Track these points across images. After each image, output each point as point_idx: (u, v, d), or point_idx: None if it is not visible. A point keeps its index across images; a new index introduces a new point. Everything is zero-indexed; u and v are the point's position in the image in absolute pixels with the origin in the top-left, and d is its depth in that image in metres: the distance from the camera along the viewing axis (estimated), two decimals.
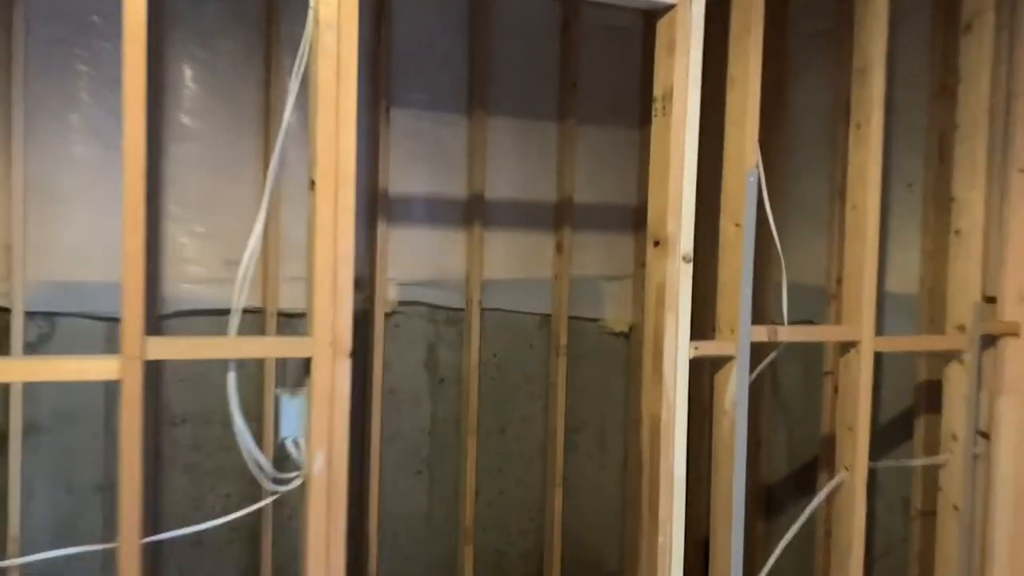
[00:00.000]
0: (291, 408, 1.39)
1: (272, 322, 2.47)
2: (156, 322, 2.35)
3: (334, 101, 1.36)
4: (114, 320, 2.31)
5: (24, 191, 2.16)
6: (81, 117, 2.29)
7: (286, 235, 2.51)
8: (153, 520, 2.40)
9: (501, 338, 2.85)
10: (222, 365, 2.39)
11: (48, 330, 2.26)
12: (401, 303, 2.71)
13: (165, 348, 1.33)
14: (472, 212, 2.74)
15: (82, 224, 2.27)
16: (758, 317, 1.75)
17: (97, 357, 1.32)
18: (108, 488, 2.34)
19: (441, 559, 2.82)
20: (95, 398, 2.32)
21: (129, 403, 1.28)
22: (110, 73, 2.31)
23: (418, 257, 2.71)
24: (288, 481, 1.40)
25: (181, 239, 2.40)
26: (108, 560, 2.31)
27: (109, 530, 2.34)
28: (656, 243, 1.68)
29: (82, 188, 2.26)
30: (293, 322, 2.56)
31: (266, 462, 1.41)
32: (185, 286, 2.40)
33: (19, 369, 1.40)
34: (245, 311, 2.44)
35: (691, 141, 1.63)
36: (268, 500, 1.55)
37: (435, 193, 2.72)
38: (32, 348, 2.24)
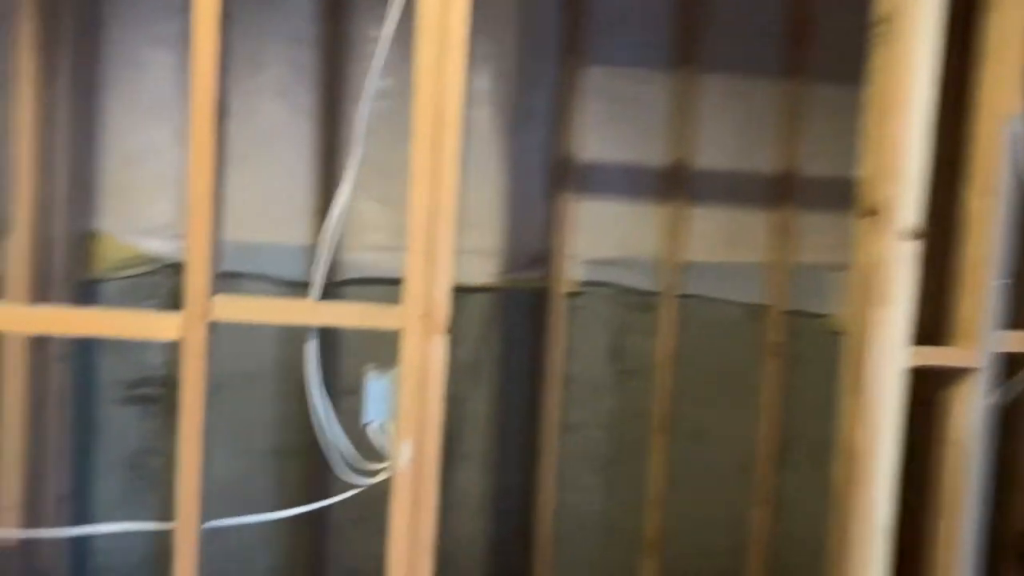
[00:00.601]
0: (378, 389, 1.21)
1: None
2: (333, 288, 2.30)
3: (436, 19, 1.15)
4: (290, 284, 2.30)
5: None
6: (267, 77, 2.28)
7: (466, 203, 2.35)
8: (320, 488, 2.36)
9: (700, 329, 2.51)
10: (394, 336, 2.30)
11: (230, 291, 2.28)
12: (585, 283, 2.47)
13: (232, 308, 1.20)
14: (673, 183, 2.42)
15: (259, 184, 2.26)
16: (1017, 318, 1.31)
17: (163, 313, 1.21)
18: (282, 453, 2.34)
19: (619, 568, 2.56)
20: (270, 361, 2.32)
21: (192, 365, 1.16)
22: (297, 31, 2.28)
23: (607, 232, 2.44)
24: (373, 473, 1.22)
25: (361, 203, 2.33)
26: (280, 523, 2.31)
27: (283, 494, 2.34)
28: (868, 212, 1.29)
29: (261, 148, 2.26)
30: (467, 297, 2.41)
31: (348, 447, 1.25)
32: (363, 253, 2.33)
33: (82, 321, 1.33)
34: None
35: (923, 72, 1.23)
36: (350, 492, 1.39)
37: (631, 161, 2.44)
38: None
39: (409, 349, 1.18)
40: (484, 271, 2.39)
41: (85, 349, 2.21)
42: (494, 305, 2.43)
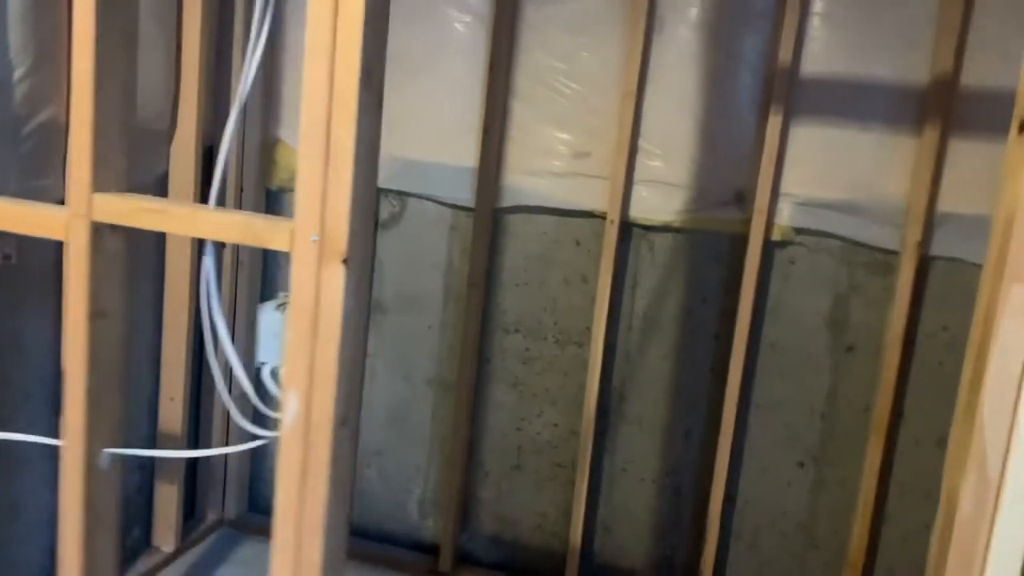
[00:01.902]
0: (270, 323, 1.03)
1: (612, 232, 2.04)
2: (495, 215, 2.14)
3: None
4: (458, 208, 2.17)
5: None
6: None
7: (650, 125, 2.02)
8: (474, 433, 2.25)
9: (954, 304, 1.91)
10: (561, 273, 2.07)
11: (399, 209, 2.23)
12: (800, 230, 1.99)
13: (113, 209, 1.08)
14: (930, 107, 1.83)
15: (431, 101, 2.14)
16: None
17: (49, 209, 1.14)
18: (438, 383, 2.26)
19: None
20: (434, 287, 2.24)
21: (75, 267, 1.07)
22: None
23: (833, 168, 1.94)
24: (266, 425, 1.05)
25: (527, 122, 2.11)
26: (434, 438, 2.26)
27: (437, 422, 2.27)
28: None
29: (433, 61, 2.13)
30: (646, 236, 2.08)
31: (251, 390, 1.08)
32: (528, 178, 2.12)
33: None
34: (579, 213, 2.07)
35: None
36: (243, 447, 1.22)
37: (870, 76, 1.89)
38: (383, 226, 2.24)
39: (299, 279, 0.98)
40: (668, 207, 2.04)
41: (269, 254, 2.32)
42: (679, 248, 2.08)
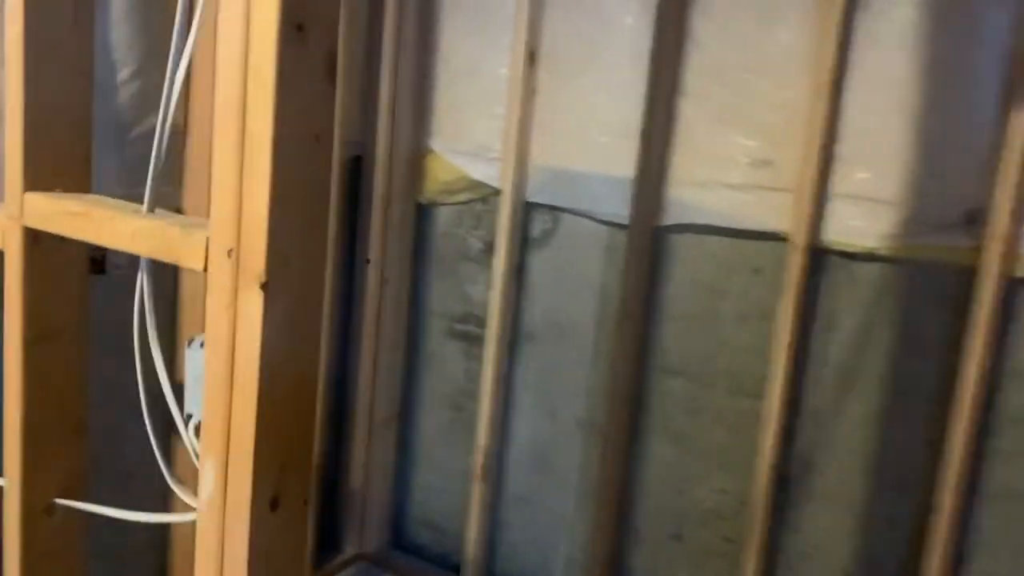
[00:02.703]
0: (193, 368, 0.81)
1: (798, 259, 1.65)
2: (656, 234, 1.82)
3: None
4: (615, 226, 1.89)
5: (524, 58, 1.89)
6: None
7: (850, 126, 1.61)
8: (628, 491, 1.94)
9: None
10: (734, 307, 1.73)
11: (551, 225, 1.98)
12: None
13: (38, 210, 0.91)
14: None
15: (587, 103, 1.88)
16: None
17: None
18: (589, 425, 1.98)
19: None
20: (587, 315, 1.96)
21: (10, 280, 0.92)
22: None
23: None
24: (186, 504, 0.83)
25: (696, 125, 1.77)
26: (582, 489, 1.97)
27: (587, 470, 1.99)
28: None
29: (592, 58, 1.86)
30: (843, 266, 1.66)
31: (192, 446, 0.87)
32: (696, 191, 1.78)
33: None
34: (759, 235, 1.70)
35: None
36: (162, 518, 0.96)
37: None
38: (534, 245, 2.00)
39: (213, 309, 0.74)
40: (873, 229, 1.61)
41: (417, 272, 2.17)
42: (887, 283, 1.63)
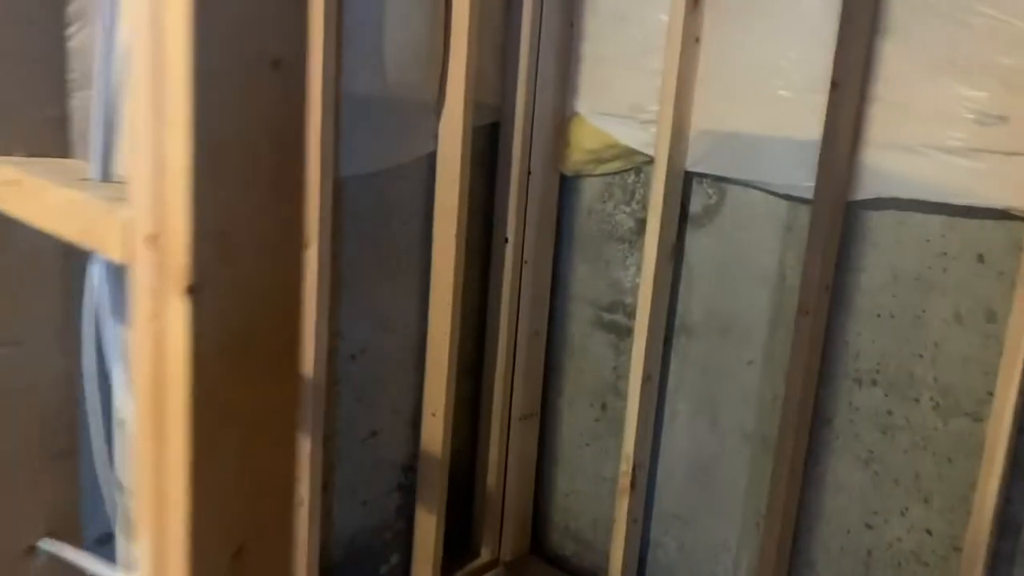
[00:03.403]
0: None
1: None
2: (848, 210, 1.48)
3: None
4: (795, 200, 1.56)
5: (686, 0, 1.58)
6: None
7: None
8: (802, 518, 1.62)
9: None
10: (950, 303, 1.40)
11: (715, 199, 1.68)
12: None
13: None
14: None
15: (761, 51, 1.55)
16: None
17: None
18: (757, 438, 1.67)
19: None
20: (759, 308, 1.65)
21: None
22: None
23: None
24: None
25: (904, 73, 1.40)
26: (748, 513, 1.68)
27: (753, 491, 1.69)
28: None
29: (764, 5, 1.53)
30: None
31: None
32: (901, 157, 1.42)
33: None
34: (986, 212, 1.32)
35: None
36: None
37: None
38: (694, 222, 1.70)
39: (137, 319, 0.50)
40: None
41: (560, 253, 1.92)
42: None
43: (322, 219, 1.50)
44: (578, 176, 1.85)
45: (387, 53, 1.56)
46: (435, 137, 1.70)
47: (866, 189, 1.45)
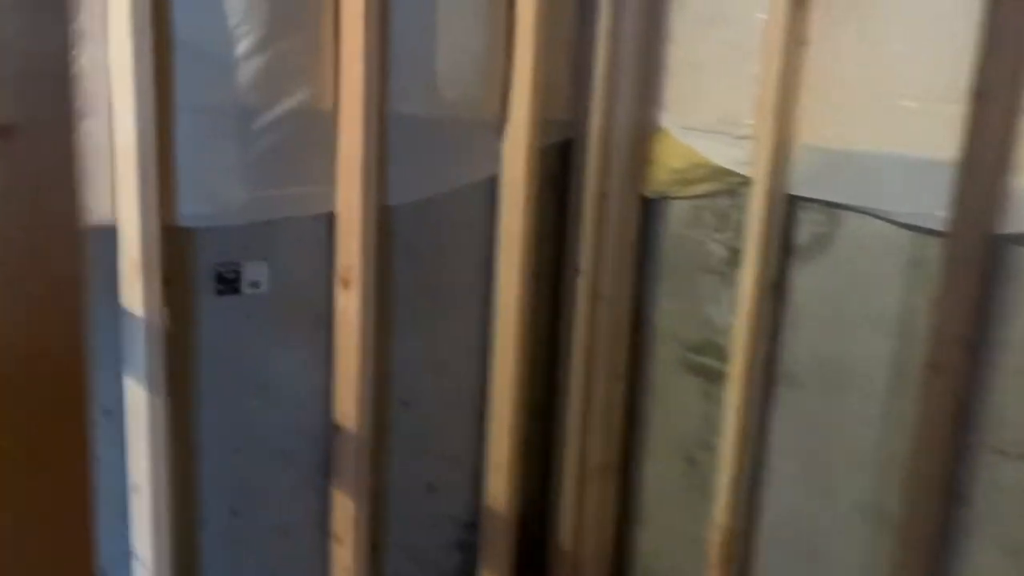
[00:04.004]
0: None
1: None
2: (992, 245, 1.21)
3: None
4: (924, 231, 1.30)
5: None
6: None
7: None
8: None
9: None
10: None
11: (826, 228, 1.43)
12: None
13: None
14: None
15: (880, 51, 1.30)
16: None
17: None
18: (875, 513, 1.41)
19: None
20: (877, 357, 1.39)
21: None
22: None
23: None
24: None
25: None
26: None
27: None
28: None
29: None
30: None
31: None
32: None
33: None
34: None
35: None
36: None
37: None
38: (800, 255, 1.46)
39: None
40: None
41: (642, 285, 1.70)
42: None
43: (365, 253, 1.34)
44: (662, 199, 1.63)
45: (440, 69, 1.38)
46: (498, 158, 1.52)
47: (1016, 220, 1.18)
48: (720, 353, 1.59)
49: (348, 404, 1.40)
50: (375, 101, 1.27)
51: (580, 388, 1.71)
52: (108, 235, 1.15)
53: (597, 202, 1.63)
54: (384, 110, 1.31)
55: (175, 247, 1.23)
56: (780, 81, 1.37)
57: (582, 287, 1.67)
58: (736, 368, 1.50)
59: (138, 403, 1.19)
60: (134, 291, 1.15)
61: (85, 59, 1.08)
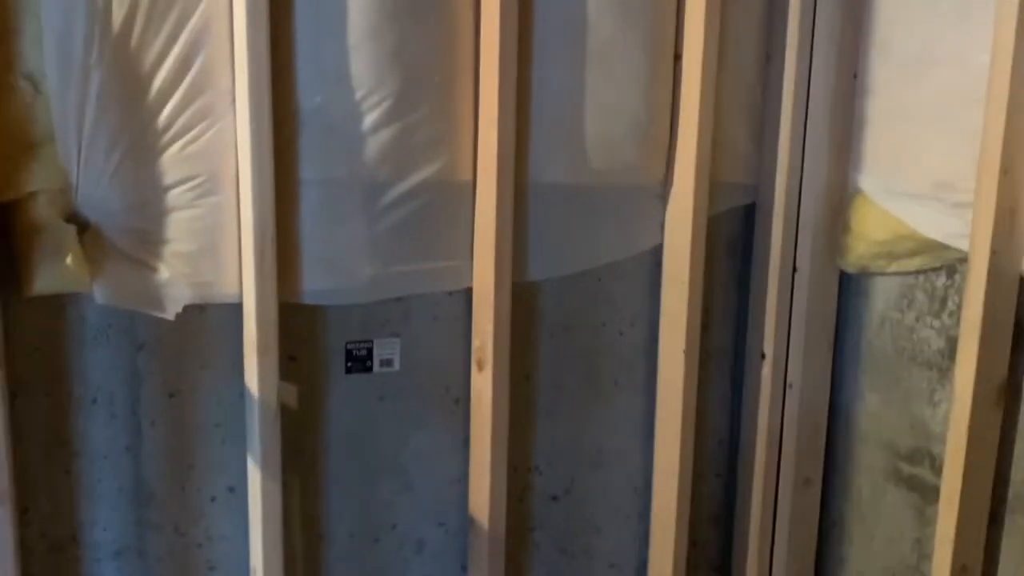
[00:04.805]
0: None
1: None
2: None
3: None
4: None
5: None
6: None
7: None
8: None
9: None
10: None
11: None
12: None
13: None
14: None
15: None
16: None
17: None
18: None
19: None
20: None
21: None
22: None
23: None
24: None
25: None
26: None
27: None
28: None
29: None
30: None
31: None
32: None
33: None
34: None
35: None
36: None
37: None
38: None
39: None
40: None
41: (839, 376, 1.46)
42: None
43: (498, 331, 1.25)
44: (864, 275, 1.40)
45: (590, 132, 1.27)
46: (661, 227, 1.37)
47: None
48: (937, 463, 1.31)
49: (481, 495, 1.30)
50: (509, 170, 1.19)
51: (763, 493, 1.50)
52: (237, 310, 1.16)
53: (784, 276, 1.43)
54: (524, 180, 1.23)
55: (302, 324, 1.21)
56: (1005, 136, 1.11)
57: (767, 374, 1.46)
58: (951, 487, 1.23)
59: (255, 484, 1.17)
60: (251, 368, 1.13)
61: (213, 135, 1.10)
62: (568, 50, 1.23)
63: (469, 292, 1.27)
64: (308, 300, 1.18)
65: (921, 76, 1.27)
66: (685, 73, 1.31)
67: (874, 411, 1.42)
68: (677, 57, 1.32)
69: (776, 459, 1.48)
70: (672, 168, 1.35)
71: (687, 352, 1.38)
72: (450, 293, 1.28)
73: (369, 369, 1.26)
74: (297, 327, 1.20)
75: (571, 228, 1.31)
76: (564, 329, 1.36)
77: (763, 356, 1.46)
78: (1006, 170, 1.14)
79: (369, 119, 1.14)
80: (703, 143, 1.31)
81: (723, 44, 1.30)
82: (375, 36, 1.12)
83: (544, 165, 1.25)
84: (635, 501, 1.47)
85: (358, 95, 1.13)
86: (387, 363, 1.26)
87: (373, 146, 1.15)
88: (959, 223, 1.21)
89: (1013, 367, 1.19)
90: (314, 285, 1.18)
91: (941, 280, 1.30)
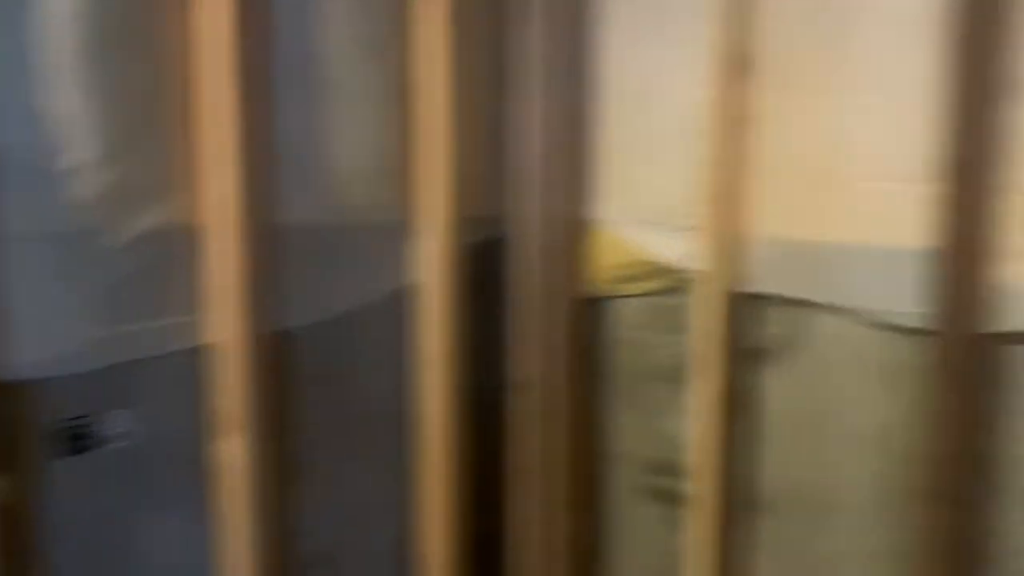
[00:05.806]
0: None
1: None
2: (979, 347, 1.06)
3: None
4: (903, 331, 1.14)
5: (728, 68, 1.21)
6: None
7: None
8: None
9: None
10: None
11: (790, 330, 1.28)
12: None
13: None
14: None
15: (840, 128, 1.17)
16: None
17: None
18: None
19: None
20: (859, 478, 1.22)
21: None
22: None
23: None
24: None
25: None
26: None
27: None
28: None
29: (842, 61, 1.15)
30: None
31: None
32: None
33: None
34: None
35: None
36: None
37: None
38: (764, 360, 1.30)
39: None
40: None
41: (591, 397, 1.53)
42: None
43: (247, 389, 1.15)
44: (608, 298, 1.48)
45: (333, 167, 1.23)
46: (410, 266, 1.35)
47: (1009, 318, 1.03)
48: (679, 472, 1.41)
49: (239, 573, 1.19)
50: (248, 212, 1.11)
51: (529, 522, 1.52)
52: None
53: (533, 305, 1.47)
54: (261, 221, 1.15)
55: (11, 402, 1.04)
56: (722, 164, 1.23)
57: (525, 405, 1.49)
58: (699, 490, 1.33)
59: None
60: None
61: None
62: (305, 86, 1.18)
63: (212, 348, 1.17)
64: (20, 375, 1.02)
65: (641, 111, 1.37)
66: (426, 109, 1.31)
67: (625, 428, 1.50)
68: (419, 93, 1.31)
69: (546, 488, 1.51)
70: (420, 204, 1.34)
71: (446, 390, 1.37)
72: (188, 352, 1.16)
73: (94, 448, 1.11)
74: (5, 407, 1.03)
75: (320, 270, 1.25)
76: (319, 381, 1.30)
77: (517, 385, 1.49)
78: (723, 196, 1.26)
79: (77, 161, 1.01)
80: (449, 178, 1.31)
81: (462, 79, 1.31)
82: (77, 69, 0.99)
83: (287, 205, 1.18)
84: (402, 555, 1.43)
85: (63, 135, 1.00)
86: (119, 438, 1.12)
87: (86, 192, 1.02)
88: (686, 245, 1.32)
89: (742, 377, 1.32)
90: (25, 356, 1.02)
91: (673, 300, 1.40)
